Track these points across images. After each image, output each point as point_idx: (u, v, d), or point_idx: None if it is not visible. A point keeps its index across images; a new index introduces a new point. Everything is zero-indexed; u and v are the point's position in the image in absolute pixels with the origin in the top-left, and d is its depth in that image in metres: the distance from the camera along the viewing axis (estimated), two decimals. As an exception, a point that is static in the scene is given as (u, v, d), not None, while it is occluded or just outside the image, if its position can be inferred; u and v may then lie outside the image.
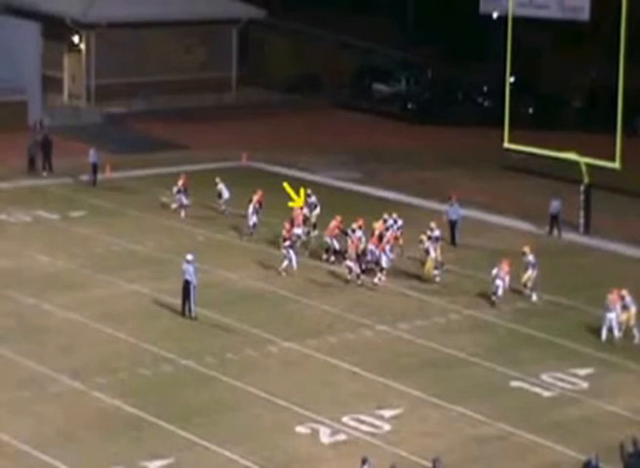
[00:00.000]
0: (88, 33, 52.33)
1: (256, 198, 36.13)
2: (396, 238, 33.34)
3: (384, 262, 32.19)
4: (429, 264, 32.54)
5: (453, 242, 35.76)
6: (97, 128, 49.63)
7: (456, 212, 35.97)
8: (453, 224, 35.93)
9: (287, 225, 33.32)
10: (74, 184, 41.83)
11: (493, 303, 31.14)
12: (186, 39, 53.76)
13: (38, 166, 43.03)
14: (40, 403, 25.19)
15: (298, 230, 34.03)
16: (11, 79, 48.44)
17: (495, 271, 30.98)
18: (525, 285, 31.76)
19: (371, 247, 32.51)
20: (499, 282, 31.00)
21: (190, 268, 29.54)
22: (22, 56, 49.04)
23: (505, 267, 31.07)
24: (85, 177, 41.89)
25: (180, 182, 38.51)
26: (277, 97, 55.58)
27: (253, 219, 35.91)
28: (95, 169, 41.34)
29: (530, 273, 31.65)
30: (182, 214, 38.46)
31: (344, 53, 59.48)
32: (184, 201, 38.44)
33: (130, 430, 24.13)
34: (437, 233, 33.43)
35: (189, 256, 29.72)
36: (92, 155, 41.39)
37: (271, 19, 56.98)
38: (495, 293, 31.11)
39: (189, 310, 29.63)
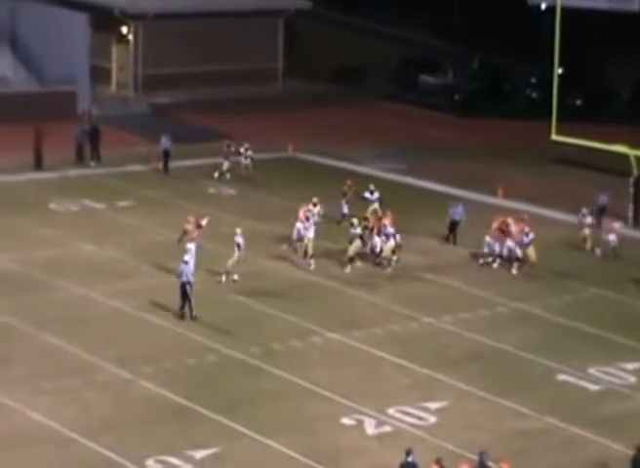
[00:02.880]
0: (136, 24, 52.59)
1: (346, 189, 36.51)
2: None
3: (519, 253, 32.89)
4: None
5: (454, 242, 34.81)
6: (144, 118, 49.89)
7: (458, 213, 34.96)
8: (453, 225, 34.91)
9: (190, 225, 31.60)
10: (122, 174, 42.08)
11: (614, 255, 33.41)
12: (233, 30, 53.85)
13: (86, 155, 43.32)
14: (87, 391, 25.40)
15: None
16: (60, 69, 48.80)
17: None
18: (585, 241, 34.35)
19: (488, 239, 33.05)
20: (612, 236, 33.61)
21: (187, 269, 28.93)
22: (71, 46, 49.37)
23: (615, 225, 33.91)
24: (135, 168, 42.18)
25: (225, 148, 40.77)
26: (323, 88, 55.51)
27: (344, 209, 36.13)
28: (167, 155, 41.75)
29: (587, 232, 34.34)
30: (227, 177, 40.29)
31: (391, 44, 59.28)
32: (226, 166, 40.52)
33: (175, 419, 24.26)
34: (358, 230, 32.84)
35: (186, 257, 29.18)
36: (164, 142, 41.88)
37: (318, 10, 56.91)
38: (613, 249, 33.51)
39: (190, 310, 28.90)
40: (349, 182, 36.81)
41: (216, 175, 40.67)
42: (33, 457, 22.77)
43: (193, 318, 28.93)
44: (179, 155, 43.82)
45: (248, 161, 41.14)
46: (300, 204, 34.89)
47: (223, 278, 31.30)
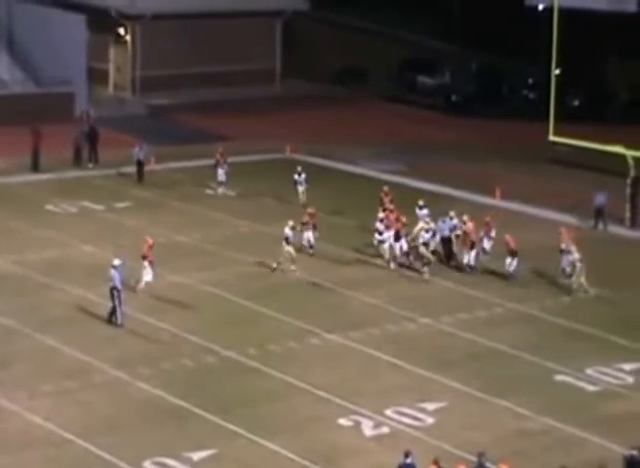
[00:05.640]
0: (133, 25, 52.60)
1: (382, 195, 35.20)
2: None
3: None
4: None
5: (448, 259, 32.84)
6: (141, 119, 49.90)
7: (448, 227, 33.33)
8: (446, 240, 33.06)
9: (150, 241, 30.35)
10: (119, 175, 42.06)
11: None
12: (231, 31, 53.87)
13: (84, 157, 43.30)
14: (85, 392, 25.42)
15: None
16: (57, 71, 48.80)
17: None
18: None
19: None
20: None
21: (116, 274, 28.55)
22: (69, 48, 49.39)
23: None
24: (128, 169, 42.05)
25: (218, 156, 39.20)
26: (322, 88, 55.55)
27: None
28: (140, 165, 40.71)
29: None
30: (220, 190, 39.07)
31: (389, 45, 59.33)
32: (221, 177, 39.05)
33: (173, 420, 24.28)
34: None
35: (116, 262, 28.78)
36: (137, 151, 40.78)
37: (316, 11, 56.96)
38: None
39: (114, 317, 28.48)
40: (386, 189, 35.73)
41: (220, 190, 39.38)
42: (31, 459, 22.78)
43: (118, 325, 28.48)
44: (176, 156, 43.86)
45: (303, 187, 37.83)
46: (296, 205, 34.90)
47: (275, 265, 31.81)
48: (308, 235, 33.42)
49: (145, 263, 30.16)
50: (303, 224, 33.32)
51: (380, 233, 32.79)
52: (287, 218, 35.65)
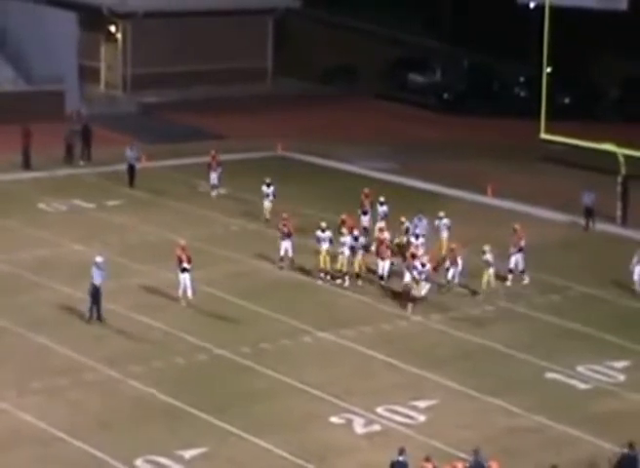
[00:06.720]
0: (124, 23, 52.51)
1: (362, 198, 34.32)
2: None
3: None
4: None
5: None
6: (132, 117, 49.83)
7: (423, 227, 32.56)
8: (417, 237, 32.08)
9: (181, 243, 30.11)
10: (111, 174, 42.00)
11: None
12: (222, 28, 53.81)
13: (75, 155, 43.20)
14: (76, 390, 25.39)
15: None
16: (48, 69, 48.70)
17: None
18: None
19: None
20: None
21: (97, 271, 28.54)
22: (60, 45, 49.25)
23: None
24: (119, 167, 41.93)
25: (210, 160, 38.77)
26: (313, 87, 55.53)
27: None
28: (132, 169, 39.93)
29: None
30: (214, 193, 38.65)
31: (381, 43, 59.33)
32: (214, 180, 38.57)
33: (165, 419, 24.26)
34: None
35: (98, 259, 28.80)
36: (129, 155, 39.99)
37: (307, 9, 56.94)
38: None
39: (89, 311, 28.65)
40: (367, 191, 34.79)
41: (213, 193, 38.91)
42: (22, 458, 22.74)
43: (86, 319, 28.64)
44: (168, 154, 43.81)
45: (269, 200, 35.34)
46: (287, 203, 34.78)
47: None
48: (286, 245, 31.80)
49: (179, 271, 29.61)
50: (281, 234, 31.88)
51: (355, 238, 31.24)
52: (277, 217, 35.61)
